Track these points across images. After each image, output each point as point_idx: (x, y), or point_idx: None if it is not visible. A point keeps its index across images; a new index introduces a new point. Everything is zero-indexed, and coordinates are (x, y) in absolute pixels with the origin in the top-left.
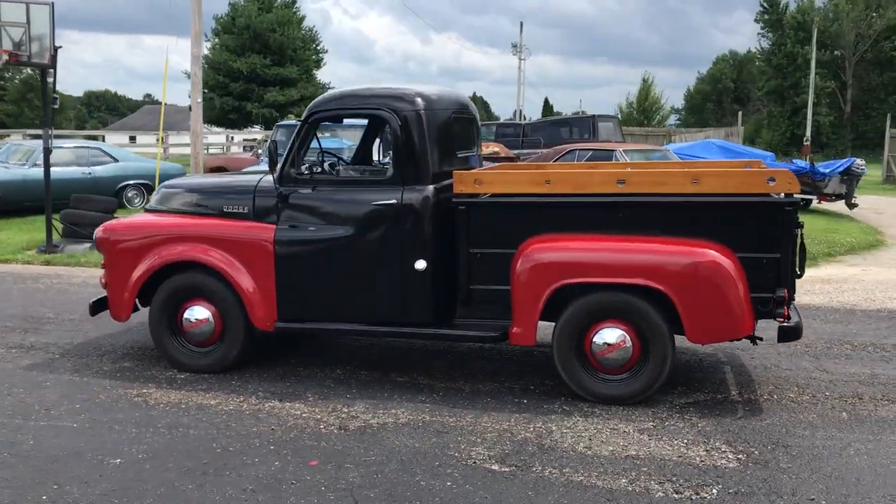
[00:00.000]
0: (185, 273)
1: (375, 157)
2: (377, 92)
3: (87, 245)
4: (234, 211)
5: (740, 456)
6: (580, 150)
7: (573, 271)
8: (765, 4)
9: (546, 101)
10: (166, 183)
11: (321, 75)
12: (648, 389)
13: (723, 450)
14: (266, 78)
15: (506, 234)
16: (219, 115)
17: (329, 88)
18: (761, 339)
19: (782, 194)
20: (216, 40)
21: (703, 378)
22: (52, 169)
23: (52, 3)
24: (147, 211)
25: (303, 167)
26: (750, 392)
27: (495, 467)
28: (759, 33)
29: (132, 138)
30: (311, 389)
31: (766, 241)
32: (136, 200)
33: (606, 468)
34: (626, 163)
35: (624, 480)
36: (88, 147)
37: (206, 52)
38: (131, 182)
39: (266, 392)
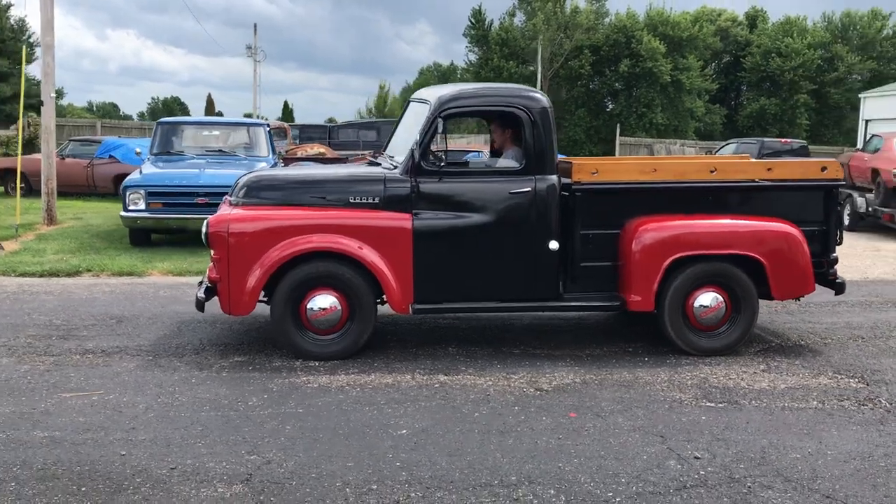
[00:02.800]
0: (311, 263)
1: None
2: (507, 91)
3: None
4: (363, 201)
5: (858, 381)
6: None
7: (688, 245)
8: (472, 20)
9: (286, 105)
10: (257, 175)
11: (32, 70)
12: (740, 342)
13: (841, 377)
14: None
15: (613, 217)
16: None
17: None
18: (802, 296)
19: (830, 179)
20: None
21: (770, 333)
22: None
23: None
24: (237, 205)
25: (432, 158)
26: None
27: (710, 404)
28: (466, 47)
29: None
30: (456, 366)
31: (819, 216)
32: None
33: (793, 395)
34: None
35: (815, 402)
36: None
37: None
38: None
39: (425, 371)
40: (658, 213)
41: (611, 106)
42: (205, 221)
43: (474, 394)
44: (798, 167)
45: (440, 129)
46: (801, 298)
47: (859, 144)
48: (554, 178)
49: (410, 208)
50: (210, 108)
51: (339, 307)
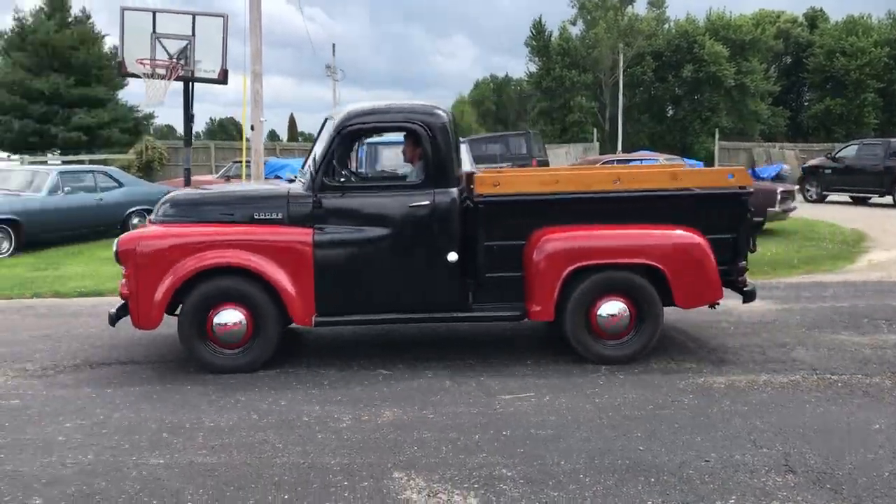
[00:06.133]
0: (215, 279)
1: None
2: (406, 107)
3: None
4: (268, 217)
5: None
6: None
7: (586, 255)
8: (532, 31)
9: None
10: (175, 194)
11: (125, 96)
12: (644, 350)
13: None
14: (71, 99)
15: (517, 229)
16: (16, 139)
17: (137, 109)
18: (718, 303)
19: (738, 187)
20: (5, 59)
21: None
22: (66, 196)
23: (226, 15)
24: (154, 223)
25: (335, 175)
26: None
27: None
28: (527, 56)
29: None
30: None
31: (728, 224)
32: None
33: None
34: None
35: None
36: (96, 172)
37: None
38: (137, 209)
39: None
40: (563, 224)
41: (672, 111)
42: (115, 240)
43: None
44: (705, 175)
45: (344, 147)
46: (716, 306)
47: None
48: (454, 191)
49: (312, 223)
50: (293, 128)
51: (244, 322)
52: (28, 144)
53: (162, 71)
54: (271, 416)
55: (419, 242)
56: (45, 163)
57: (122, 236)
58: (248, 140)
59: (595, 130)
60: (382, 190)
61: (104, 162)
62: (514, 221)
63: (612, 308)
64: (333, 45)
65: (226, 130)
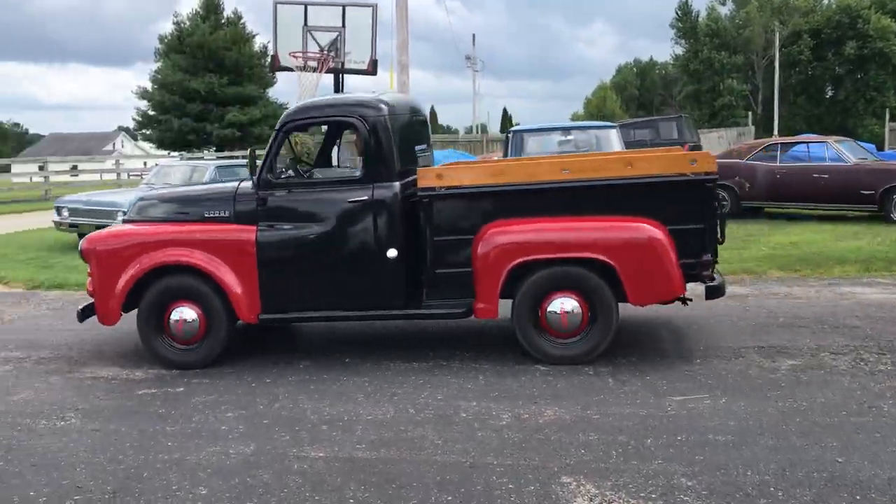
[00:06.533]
0: (167, 277)
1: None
2: (344, 101)
3: None
4: (217, 215)
5: None
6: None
7: (529, 249)
8: (678, 13)
9: (505, 112)
10: (144, 195)
11: (273, 93)
12: (596, 349)
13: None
14: (224, 98)
15: (465, 222)
16: (176, 138)
17: (285, 106)
18: (691, 299)
19: (703, 173)
20: (164, 61)
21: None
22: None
23: (376, 4)
24: (125, 222)
25: (279, 172)
26: None
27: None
28: (672, 39)
29: (41, 167)
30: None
31: (692, 213)
32: None
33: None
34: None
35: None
36: None
37: (153, 72)
38: None
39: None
40: (512, 217)
41: (832, 92)
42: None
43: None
44: (663, 161)
45: (285, 143)
46: (688, 302)
47: None
48: (395, 185)
49: (256, 221)
50: (433, 120)
51: (197, 318)
52: (186, 142)
53: (313, 63)
54: (428, 411)
55: (359, 239)
56: (201, 158)
57: (88, 235)
58: None
59: (749, 114)
60: (324, 186)
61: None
62: (461, 215)
63: (561, 305)
64: (473, 36)
65: None
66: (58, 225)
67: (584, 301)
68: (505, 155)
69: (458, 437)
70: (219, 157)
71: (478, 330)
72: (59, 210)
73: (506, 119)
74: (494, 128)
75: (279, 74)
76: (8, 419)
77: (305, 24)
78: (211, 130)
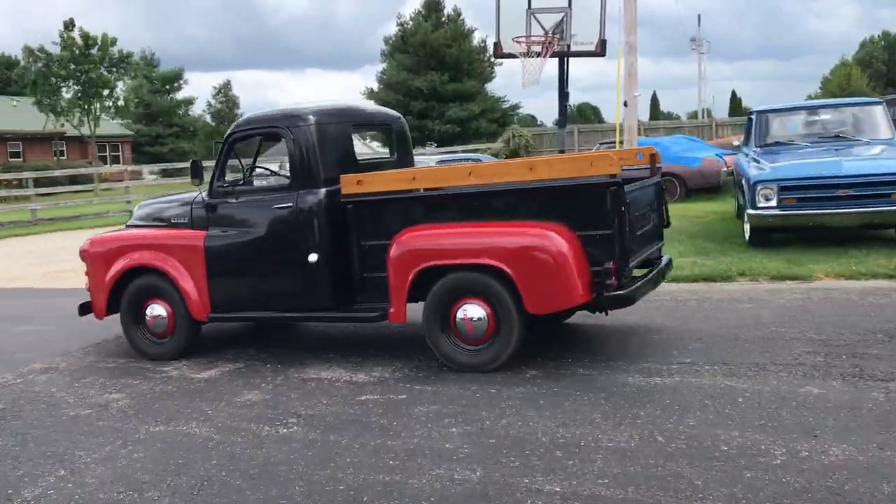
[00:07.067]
0: (140, 276)
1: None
2: (275, 114)
3: None
4: (179, 221)
5: None
6: None
7: (431, 256)
8: None
9: (734, 95)
10: (143, 203)
11: (491, 88)
12: (500, 357)
13: None
14: (445, 94)
15: (384, 228)
16: None
17: (503, 101)
18: (608, 312)
19: (606, 176)
20: (389, 61)
21: None
22: None
23: None
24: (126, 227)
25: (226, 180)
26: None
27: None
28: None
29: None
30: None
31: (597, 219)
32: None
33: None
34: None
35: None
36: (471, 160)
37: (379, 73)
38: None
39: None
40: (426, 223)
41: None
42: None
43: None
44: (565, 165)
45: (230, 153)
46: (606, 312)
47: None
48: (320, 192)
49: (206, 226)
50: (655, 106)
51: (166, 315)
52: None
53: (537, 48)
54: (680, 441)
55: (285, 243)
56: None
57: (89, 238)
58: (622, 109)
59: None
60: (261, 193)
61: (475, 152)
62: (380, 221)
63: (468, 312)
64: (699, 17)
65: (584, 115)
66: None
67: (490, 308)
68: (746, 141)
69: (723, 479)
70: (440, 153)
71: (731, 337)
72: None
73: (735, 102)
74: (719, 112)
75: (498, 68)
76: (233, 423)
77: (529, 6)
78: (433, 127)
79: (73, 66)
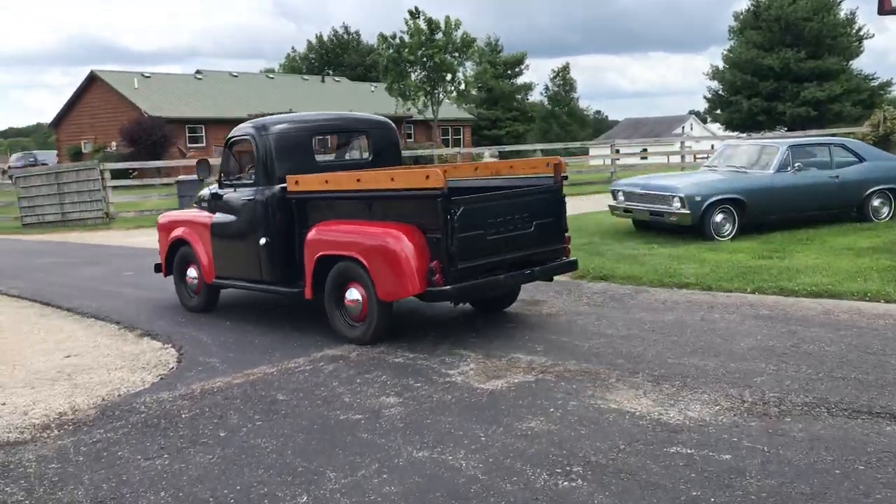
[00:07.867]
0: (185, 246)
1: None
2: (251, 124)
3: None
4: (204, 206)
5: None
6: None
7: (323, 246)
8: None
9: None
10: (203, 191)
11: (857, 65)
12: (368, 333)
13: None
14: (800, 73)
15: (309, 221)
16: (745, 118)
17: (872, 79)
18: (464, 302)
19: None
20: (738, 39)
21: None
22: (796, 173)
23: None
24: (195, 205)
25: (227, 175)
26: None
27: None
28: None
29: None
30: None
31: (432, 224)
32: (884, 210)
33: None
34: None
35: None
36: (832, 145)
37: (726, 52)
38: (880, 188)
39: None
40: (335, 219)
41: None
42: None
43: None
44: (410, 176)
45: (230, 154)
46: (464, 304)
47: None
48: (274, 188)
49: (214, 211)
50: None
51: (196, 277)
52: (755, 123)
53: None
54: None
55: (247, 228)
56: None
57: (162, 214)
58: None
59: None
60: (242, 188)
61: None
62: (308, 215)
63: (352, 294)
64: None
65: None
66: (613, 209)
67: (365, 293)
68: None
69: None
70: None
71: None
72: (614, 194)
73: None
74: None
75: (867, 41)
76: (506, 460)
77: None
78: (783, 110)
79: (419, 52)
